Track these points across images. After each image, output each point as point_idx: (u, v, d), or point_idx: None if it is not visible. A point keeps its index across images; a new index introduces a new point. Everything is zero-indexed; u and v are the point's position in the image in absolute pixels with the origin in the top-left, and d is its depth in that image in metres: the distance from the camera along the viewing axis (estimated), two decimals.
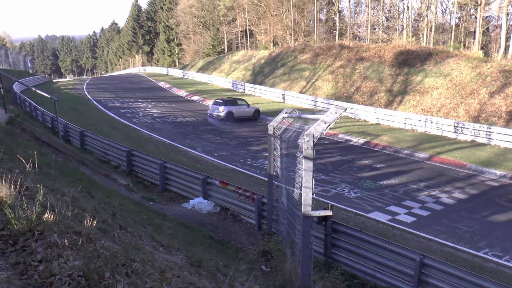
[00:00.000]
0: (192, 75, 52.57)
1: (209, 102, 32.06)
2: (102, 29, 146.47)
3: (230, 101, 27.31)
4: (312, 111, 25.06)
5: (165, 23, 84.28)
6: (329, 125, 6.27)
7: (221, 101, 27.10)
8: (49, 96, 14.98)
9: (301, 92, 34.59)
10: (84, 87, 43.71)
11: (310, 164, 6.26)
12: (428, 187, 15.03)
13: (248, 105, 27.77)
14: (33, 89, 16.80)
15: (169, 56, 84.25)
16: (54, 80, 67.02)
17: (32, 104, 22.66)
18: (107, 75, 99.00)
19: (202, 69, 54.60)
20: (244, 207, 11.25)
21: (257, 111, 27.92)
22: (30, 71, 62.58)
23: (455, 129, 22.99)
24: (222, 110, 26.54)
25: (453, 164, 18.03)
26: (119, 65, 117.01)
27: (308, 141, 6.25)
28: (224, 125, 24.69)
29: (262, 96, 36.74)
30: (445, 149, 20.13)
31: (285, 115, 8.78)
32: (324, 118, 6.32)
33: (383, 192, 14.27)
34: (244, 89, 40.06)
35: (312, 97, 31.91)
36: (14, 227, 3.76)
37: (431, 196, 14.06)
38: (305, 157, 6.27)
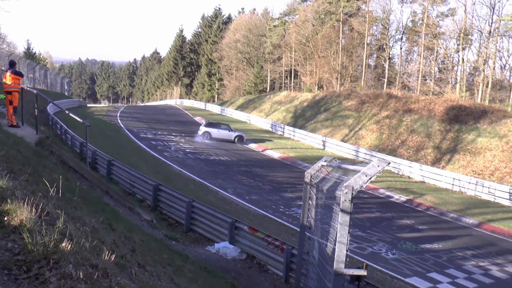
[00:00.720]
0: (231, 112, 52.51)
1: (247, 142, 33.15)
2: (143, 57, 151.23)
3: (213, 124, 33.82)
4: (353, 162, 25.41)
5: (208, 56, 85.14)
6: (370, 179, 6.20)
7: (206, 122, 33.99)
8: (81, 121, 14.45)
9: (342, 140, 34.19)
10: (118, 114, 44.09)
11: (347, 218, 6.19)
12: (476, 257, 14.59)
13: (230, 130, 33.24)
14: (66, 112, 16.01)
15: (209, 90, 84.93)
16: (88, 105, 67.98)
17: (63, 127, 23.06)
18: (143, 104, 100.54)
19: (241, 107, 54.80)
20: (272, 256, 11.09)
21: (239, 137, 33.14)
22: (66, 94, 63.72)
23: (510, 196, 22.28)
24: (202, 130, 32.91)
25: (506, 234, 17.45)
26: (156, 95, 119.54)
27: (346, 193, 6.19)
28: (257, 167, 24.56)
29: (302, 141, 36.39)
30: (497, 217, 19.54)
31: (324, 164, 8.75)
32: (366, 170, 6.25)
33: (424, 257, 13.91)
34: (283, 132, 39.78)
35: (354, 146, 31.54)
36: (30, 252, 3.77)
37: (479, 267, 13.61)
38: (342, 210, 6.20)
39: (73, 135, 21.06)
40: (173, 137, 31.99)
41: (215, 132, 33.07)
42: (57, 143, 17.63)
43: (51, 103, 29.82)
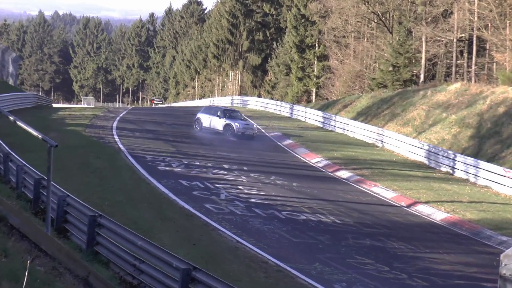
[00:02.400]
0: (343, 124, 47.54)
1: (377, 188, 29.78)
2: (168, 12, 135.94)
3: (212, 110, 42.70)
4: None
5: (299, 9, 73.00)
6: None
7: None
8: (39, 136, 13.91)
9: None
10: (114, 124, 41.49)
11: None
12: None
13: (220, 117, 40.12)
14: (11, 118, 15.52)
15: (300, 79, 73.91)
16: (56, 105, 68.09)
17: (1, 147, 21.88)
18: (165, 105, 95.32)
19: (364, 114, 49.48)
20: None
21: (228, 125, 39.30)
22: (11, 82, 64.09)
23: None
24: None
25: None
26: (193, 87, 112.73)
27: None
28: (395, 239, 21.96)
29: (493, 187, 31.14)
30: None
31: None
32: None
33: None
34: (452, 166, 34.25)
35: None
36: None
37: None
38: None
39: (21, 165, 19.62)
40: (224, 171, 29.63)
41: (207, 120, 39.50)
42: None
43: None
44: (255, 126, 43.08)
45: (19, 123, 15.02)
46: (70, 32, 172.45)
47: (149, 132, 40.74)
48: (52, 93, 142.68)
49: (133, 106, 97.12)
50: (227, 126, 39.85)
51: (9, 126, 27.99)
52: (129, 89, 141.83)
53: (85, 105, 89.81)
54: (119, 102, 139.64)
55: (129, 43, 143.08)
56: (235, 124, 39.88)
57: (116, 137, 36.34)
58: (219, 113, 40.68)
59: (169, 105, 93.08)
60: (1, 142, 22.62)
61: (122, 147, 32.53)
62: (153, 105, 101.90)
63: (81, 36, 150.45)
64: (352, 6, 63.01)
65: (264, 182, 28.31)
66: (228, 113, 41.47)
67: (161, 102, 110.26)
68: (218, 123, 40.13)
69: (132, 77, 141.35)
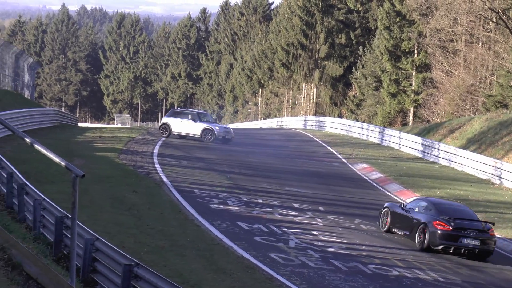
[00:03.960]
0: (449, 154, 47.85)
1: None
2: (224, 7, 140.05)
3: (179, 113, 49.08)
4: None
5: (393, 4, 74.38)
6: None
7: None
8: (62, 164, 13.73)
9: None
10: (156, 150, 43.31)
11: None
12: None
13: (196, 120, 45.92)
14: (27, 140, 14.95)
15: (393, 96, 75.29)
16: (81, 125, 71.02)
17: (15, 177, 22.35)
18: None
19: (477, 142, 50.11)
20: None
21: (207, 129, 45.71)
22: (26, 95, 65.91)
23: None
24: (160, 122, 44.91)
25: None
26: (255, 103, 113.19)
27: None
28: None
29: None
30: None
31: None
32: None
33: None
34: None
35: None
36: None
37: None
38: None
39: (39, 199, 19.86)
40: (294, 213, 30.06)
41: (177, 125, 46.00)
42: None
43: None
44: (231, 129, 50.63)
45: (37, 146, 14.68)
46: (100, 32, 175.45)
47: (199, 160, 41.20)
48: (77, 109, 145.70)
49: None
50: (206, 130, 46.01)
51: (25, 150, 29.66)
52: (174, 105, 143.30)
53: (119, 125, 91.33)
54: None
55: (175, 46, 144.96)
56: (215, 128, 46.50)
57: (157, 165, 36.89)
58: (191, 116, 46.91)
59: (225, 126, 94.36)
60: (15, 171, 23.06)
61: (165, 179, 32.95)
62: None
63: (114, 38, 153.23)
64: (463, 1, 62.56)
65: (346, 226, 28.41)
66: (202, 116, 48.31)
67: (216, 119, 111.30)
68: (194, 127, 46.24)
69: (178, 90, 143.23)
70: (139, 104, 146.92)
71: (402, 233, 27.83)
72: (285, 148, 53.75)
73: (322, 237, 25.93)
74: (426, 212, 27.71)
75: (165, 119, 48.34)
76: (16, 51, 69.57)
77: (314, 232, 26.67)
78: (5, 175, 23.45)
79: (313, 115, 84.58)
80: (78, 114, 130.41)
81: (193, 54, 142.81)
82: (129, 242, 20.24)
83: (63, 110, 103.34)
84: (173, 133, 46.96)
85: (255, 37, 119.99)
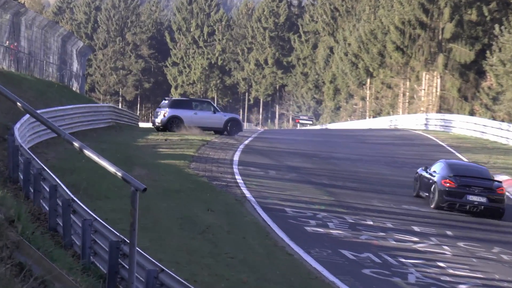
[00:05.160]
0: None
1: None
2: None
3: (181, 102, 51.94)
4: None
5: None
6: None
7: (166, 101, 52.03)
8: (118, 175, 13.98)
9: None
10: (236, 157, 43.61)
11: None
12: None
13: (216, 111, 48.09)
14: (76, 145, 15.06)
15: None
16: (143, 125, 74.55)
17: (59, 190, 22.54)
18: (317, 127, 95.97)
19: None
20: None
21: (233, 122, 48.86)
22: (75, 87, 68.02)
23: None
24: (163, 115, 49.16)
25: None
26: (362, 97, 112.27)
27: None
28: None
29: None
30: None
31: None
32: None
33: None
34: None
35: None
36: None
37: None
38: None
39: (90, 219, 19.97)
40: (414, 238, 29.93)
41: (189, 116, 49.78)
42: (37, 239, 17.73)
43: (27, 115, 31.55)
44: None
45: (87, 152, 14.94)
46: (167, 9, 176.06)
47: (291, 169, 41.25)
48: (138, 106, 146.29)
49: (266, 128, 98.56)
50: (232, 122, 51.36)
51: (73, 157, 30.04)
52: (259, 99, 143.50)
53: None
54: (244, 121, 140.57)
55: (260, 26, 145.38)
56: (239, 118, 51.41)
57: (238, 177, 37.00)
58: (207, 106, 52.77)
59: (324, 126, 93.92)
60: (60, 183, 23.23)
61: (248, 194, 32.93)
62: (298, 126, 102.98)
63: (184, 15, 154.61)
64: None
65: (481, 256, 27.93)
66: (209, 105, 54.16)
67: (310, 122, 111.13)
68: (214, 119, 51.34)
69: (264, 80, 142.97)
70: (215, 98, 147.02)
71: (425, 195, 35.80)
72: (402, 155, 54.23)
73: (450, 271, 25.66)
74: (441, 172, 35.13)
75: (172, 112, 51.53)
76: (63, 33, 70.67)
77: (441, 264, 26.40)
78: (48, 189, 23.56)
79: (436, 112, 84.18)
80: (138, 112, 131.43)
81: (283, 36, 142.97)
82: (202, 275, 20.24)
83: (120, 106, 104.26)
84: (184, 126, 50.62)
85: (361, 14, 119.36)
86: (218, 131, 50.78)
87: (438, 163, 36.43)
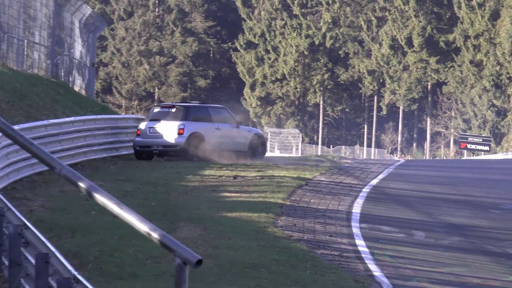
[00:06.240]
0: None
1: None
2: None
3: (198, 110, 44.48)
4: None
5: None
6: None
7: (169, 109, 43.65)
8: (154, 236, 11.17)
9: None
10: (357, 208, 36.97)
11: None
12: None
13: (238, 124, 43.89)
14: (82, 186, 12.14)
15: None
16: None
17: (52, 262, 19.49)
18: (498, 157, 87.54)
19: None
20: None
21: (259, 139, 45.55)
22: (78, 87, 59.75)
23: None
24: (179, 132, 41.32)
25: None
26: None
27: None
28: None
29: None
30: None
31: None
32: None
33: None
34: None
35: None
36: None
37: None
38: None
39: None
40: None
41: (213, 133, 41.75)
42: None
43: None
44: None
45: (99, 198, 10.91)
46: None
47: (452, 230, 33.83)
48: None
49: (409, 158, 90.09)
50: (258, 140, 44.07)
51: (75, 205, 27.11)
52: (398, 108, 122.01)
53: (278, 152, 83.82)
54: (371, 146, 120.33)
55: None
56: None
57: (361, 241, 29.98)
58: (227, 116, 43.13)
59: (509, 155, 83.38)
60: (54, 250, 18.27)
61: (377, 272, 26.20)
62: (465, 154, 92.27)
63: None
64: None
65: None
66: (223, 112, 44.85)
67: (486, 148, 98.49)
68: (239, 137, 42.49)
69: (407, 75, 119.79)
70: (320, 104, 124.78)
71: None
72: None
73: None
74: None
75: (191, 126, 40.69)
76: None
77: None
78: (34, 260, 18.35)
79: None
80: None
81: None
82: None
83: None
84: (200, 149, 40.69)
85: None
86: (241, 155, 42.03)
87: None
